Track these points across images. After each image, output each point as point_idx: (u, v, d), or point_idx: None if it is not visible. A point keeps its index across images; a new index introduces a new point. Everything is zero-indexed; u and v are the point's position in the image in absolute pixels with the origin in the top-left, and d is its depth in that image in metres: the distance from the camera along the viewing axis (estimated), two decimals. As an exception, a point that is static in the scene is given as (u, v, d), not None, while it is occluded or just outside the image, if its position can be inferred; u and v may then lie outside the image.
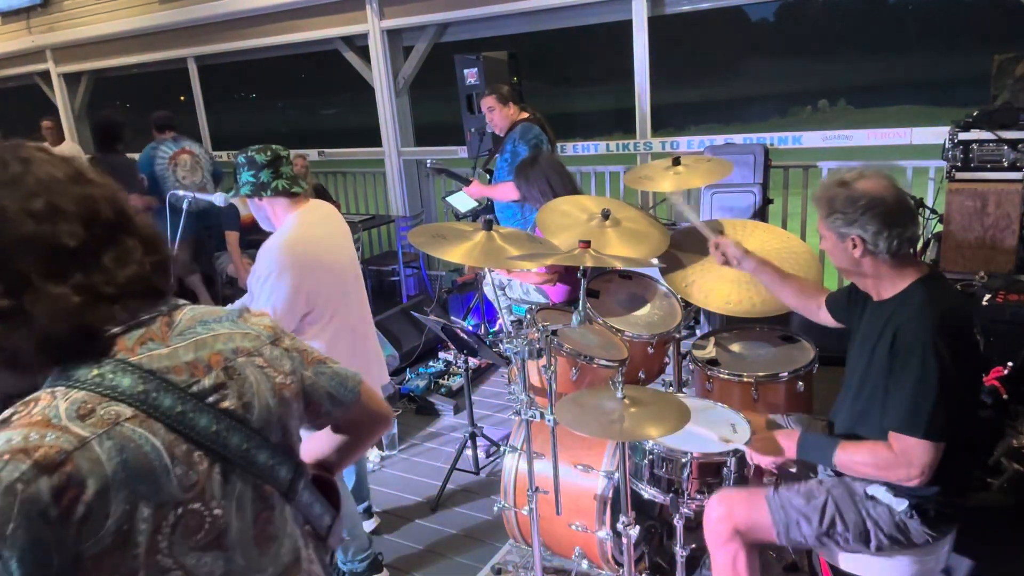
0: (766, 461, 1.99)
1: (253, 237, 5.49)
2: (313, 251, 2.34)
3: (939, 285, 1.84)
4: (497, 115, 4.21)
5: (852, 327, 2.05)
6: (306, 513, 1.11)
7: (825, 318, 2.23)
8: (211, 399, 0.96)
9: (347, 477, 2.88)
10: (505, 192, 4.02)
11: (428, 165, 4.47)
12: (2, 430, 0.83)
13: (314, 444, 1.28)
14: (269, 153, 2.31)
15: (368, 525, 3.02)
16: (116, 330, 0.94)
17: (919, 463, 1.71)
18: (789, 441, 1.95)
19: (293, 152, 6.77)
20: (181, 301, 1.05)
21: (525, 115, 4.23)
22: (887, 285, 1.85)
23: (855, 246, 1.80)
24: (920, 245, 3.71)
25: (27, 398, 0.88)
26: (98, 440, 0.84)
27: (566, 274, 3.44)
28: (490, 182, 4.52)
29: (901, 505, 1.81)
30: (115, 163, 5.50)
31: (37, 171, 0.91)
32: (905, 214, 1.80)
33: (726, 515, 1.98)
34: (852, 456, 1.83)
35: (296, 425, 1.10)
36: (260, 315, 1.12)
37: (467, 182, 4.48)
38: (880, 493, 1.84)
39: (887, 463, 1.76)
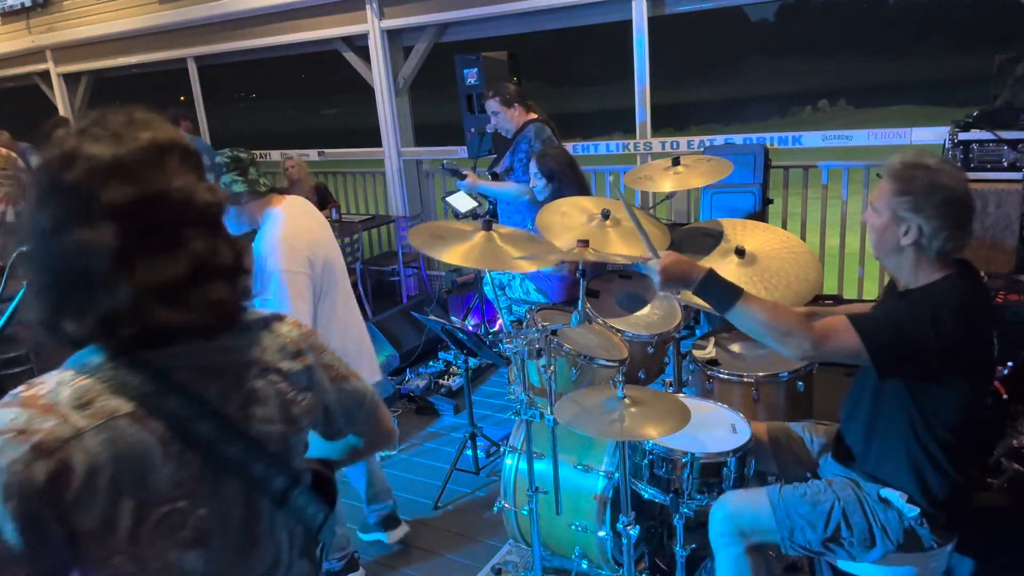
0: (663, 276, 1.88)
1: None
2: (308, 240, 2.41)
3: (970, 280, 1.78)
4: (502, 118, 4.15)
5: None
6: (298, 516, 1.12)
7: None
8: (215, 406, 0.97)
9: (356, 481, 2.86)
10: (517, 189, 3.94)
11: (444, 165, 4.42)
12: (10, 405, 0.88)
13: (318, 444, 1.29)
14: (228, 158, 2.36)
15: (395, 534, 2.94)
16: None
17: (826, 341, 1.70)
18: (697, 271, 1.86)
19: (294, 153, 6.75)
20: None
21: (533, 115, 4.17)
22: (921, 275, 1.78)
23: (907, 233, 1.72)
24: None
25: (37, 378, 0.91)
26: (93, 432, 0.87)
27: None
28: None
29: (912, 512, 1.80)
30: None
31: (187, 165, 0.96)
32: (968, 220, 1.74)
33: (730, 517, 1.98)
34: (756, 309, 1.78)
35: (300, 439, 1.10)
36: (291, 325, 1.12)
37: (463, 176, 4.28)
38: (894, 497, 1.83)
39: (790, 326, 1.72)
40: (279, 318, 1.11)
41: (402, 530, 2.95)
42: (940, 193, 1.69)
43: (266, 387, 1.03)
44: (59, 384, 0.90)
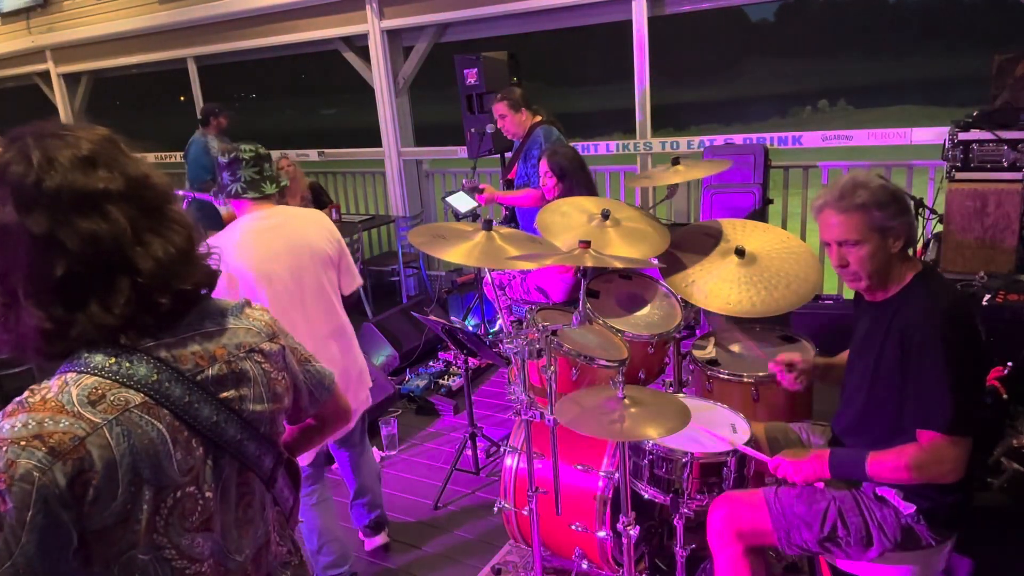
0: (800, 480, 1.93)
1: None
2: (248, 255, 2.17)
3: (937, 280, 1.85)
4: (510, 122, 4.08)
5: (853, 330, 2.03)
6: (277, 497, 1.17)
7: None
8: (213, 390, 1.00)
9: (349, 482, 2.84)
10: (533, 198, 3.89)
11: (463, 185, 4.39)
12: (17, 414, 0.87)
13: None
14: (229, 155, 2.22)
15: (375, 541, 2.92)
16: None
17: (951, 458, 1.70)
18: (821, 461, 1.89)
19: (292, 153, 6.73)
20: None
21: (539, 118, 4.13)
22: (894, 283, 1.84)
23: (897, 239, 1.79)
24: (920, 245, 3.71)
25: (40, 384, 0.91)
26: (108, 426, 0.88)
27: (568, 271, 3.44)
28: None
29: (909, 509, 1.80)
30: None
31: (51, 182, 0.90)
32: None
33: (728, 517, 1.98)
34: (883, 463, 1.78)
35: (282, 418, 1.16)
36: (260, 310, 1.16)
37: (481, 191, 4.21)
38: (890, 495, 1.83)
39: (919, 463, 1.72)
40: (248, 304, 1.15)
41: (382, 538, 2.92)
42: (904, 198, 1.83)
43: (253, 367, 1.07)
44: (64, 385, 0.90)
